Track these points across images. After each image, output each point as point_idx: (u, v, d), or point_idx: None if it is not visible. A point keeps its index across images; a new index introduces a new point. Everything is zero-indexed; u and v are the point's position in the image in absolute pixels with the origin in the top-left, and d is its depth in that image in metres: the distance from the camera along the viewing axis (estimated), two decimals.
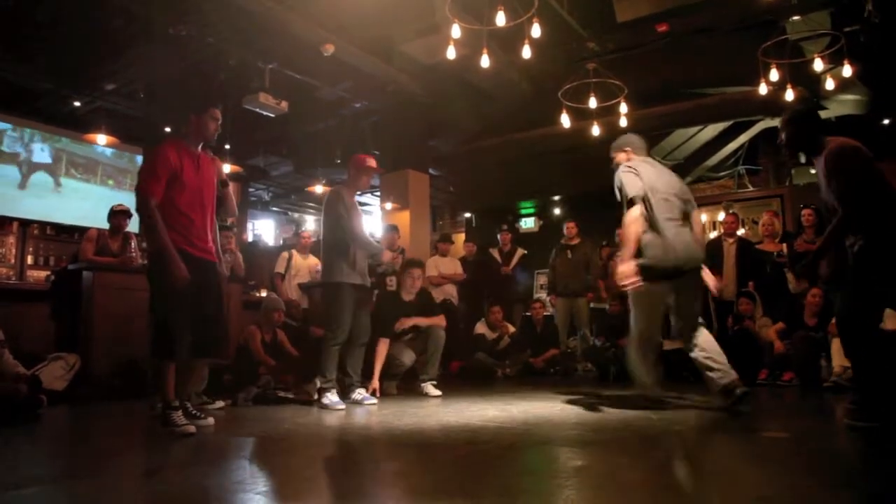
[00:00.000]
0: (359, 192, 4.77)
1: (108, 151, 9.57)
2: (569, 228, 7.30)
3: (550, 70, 7.45)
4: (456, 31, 5.04)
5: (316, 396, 4.56)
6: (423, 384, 4.97)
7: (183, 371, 3.41)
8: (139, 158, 9.67)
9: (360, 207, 4.64)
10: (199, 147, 3.43)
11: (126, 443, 3.21)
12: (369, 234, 4.77)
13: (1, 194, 8.48)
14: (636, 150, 3.88)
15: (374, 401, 4.38)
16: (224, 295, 3.68)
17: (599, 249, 7.57)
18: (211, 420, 3.47)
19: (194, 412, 3.44)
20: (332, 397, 4.18)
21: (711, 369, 3.48)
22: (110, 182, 9.66)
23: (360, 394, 4.39)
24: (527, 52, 5.21)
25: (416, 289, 5.14)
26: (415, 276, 5.10)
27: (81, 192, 9.21)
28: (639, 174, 3.58)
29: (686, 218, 3.62)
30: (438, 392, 4.88)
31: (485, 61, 5.24)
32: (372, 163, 4.54)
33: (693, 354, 3.57)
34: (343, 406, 4.14)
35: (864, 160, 3.08)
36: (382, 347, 4.89)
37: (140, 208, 3.18)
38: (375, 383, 4.75)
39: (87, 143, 8.66)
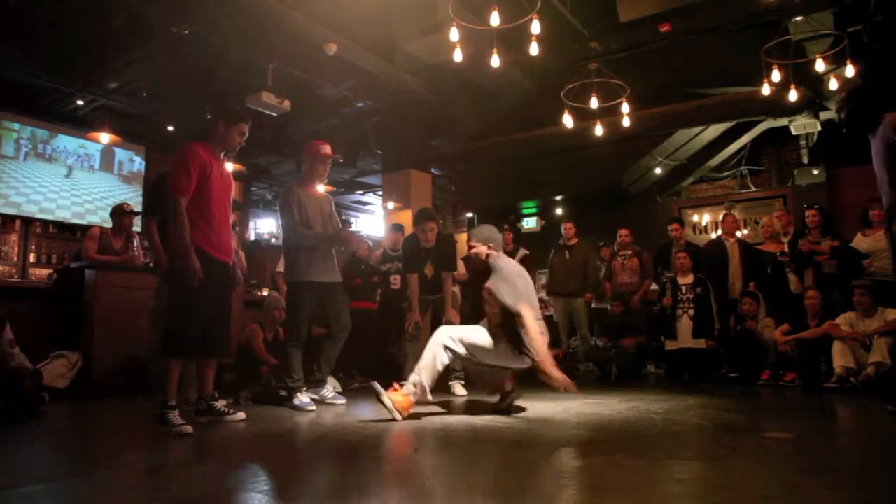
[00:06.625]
0: (318, 183, 4.47)
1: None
2: (567, 229, 7.27)
3: (553, 70, 7.44)
4: (454, 34, 5.01)
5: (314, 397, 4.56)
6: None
7: (199, 372, 3.52)
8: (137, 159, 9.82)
9: (319, 197, 4.39)
10: (222, 155, 3.52)
11: (127, 441, 3.21)
12: (332, 227, 4.39)
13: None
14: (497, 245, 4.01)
15: (343, 401, 4.26)
16: (233, 296, 3.73)
17: (598, 250, 7.55)
18: (242, 415, 3.55)
19: (222, 409, 3.52)
20: (302, 398, 4.07)
21: None
22: None
23: (329, 390, 4.29)
24: (534, 50, 5.16)
25: (430, 242, 5.02)
26: (427, 230, 4.98)
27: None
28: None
29: None
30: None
31: (495, 61, 5.20)
32: (326, 149, 4.32)
33: None
34: (314, 407, 4.02)
35: None
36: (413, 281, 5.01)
37: (170, 205, 3.23)
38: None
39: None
